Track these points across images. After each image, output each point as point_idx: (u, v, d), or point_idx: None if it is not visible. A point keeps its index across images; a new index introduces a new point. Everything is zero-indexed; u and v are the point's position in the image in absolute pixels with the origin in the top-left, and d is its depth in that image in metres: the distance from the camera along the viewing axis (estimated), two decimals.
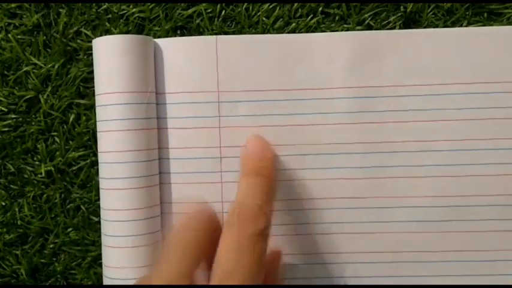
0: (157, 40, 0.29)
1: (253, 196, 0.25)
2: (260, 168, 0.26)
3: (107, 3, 0.31)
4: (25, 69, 0.31)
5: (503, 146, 0.29)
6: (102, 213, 0.29)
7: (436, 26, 0.30)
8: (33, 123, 0.31)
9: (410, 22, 0.30)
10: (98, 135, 0.29)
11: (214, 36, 0.29)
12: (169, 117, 0.29)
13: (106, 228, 0.28)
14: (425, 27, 0.30)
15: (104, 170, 0.28)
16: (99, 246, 0.30)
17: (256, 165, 0.27)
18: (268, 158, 0.27)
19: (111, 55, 0.28)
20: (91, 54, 0.30)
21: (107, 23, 0.31)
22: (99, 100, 0.28)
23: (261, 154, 0.27)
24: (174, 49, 0.29)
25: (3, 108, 0.31)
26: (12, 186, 0.32)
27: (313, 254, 0.30)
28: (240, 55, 0.29)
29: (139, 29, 0.31)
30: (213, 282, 0.22)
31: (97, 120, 0.29)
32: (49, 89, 0.31)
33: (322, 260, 0.30)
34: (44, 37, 0.31)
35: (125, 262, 0.28)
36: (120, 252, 0.28)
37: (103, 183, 0.28)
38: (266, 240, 0.24)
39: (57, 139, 0.31)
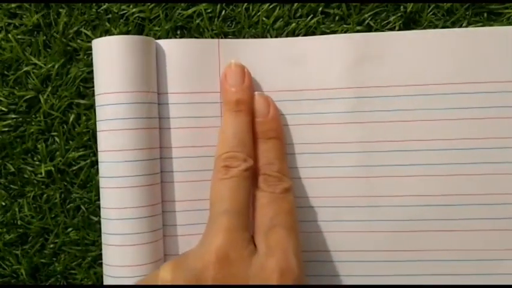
0: (159, 41, 0.29)
1: (270, 163, 0.27)
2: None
3: (107, 3, 0.31)
4: (25, 69, 0.31)
5: (501, 146, 0.29)
6: (103, 212, 0.29)
7: (436, 26, 0.30)
8: (33, 123, 0.31)
9: (410, 22, 0.30)
10: (98, 134, 0.29)
11: (217, 39, 0.29)
12: (171, 117, 0.29)
13: (106, 226, 0.28)
14: (425, 27, 0.30)
15: (104, 169, 0.28)
16: (99, 246, 0.30)
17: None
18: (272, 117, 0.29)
19: (110, 56, 0.28)
20: (91, 54, 0.30)
21: (107, 23, 0.31)
22: (98, 100, 0.28)
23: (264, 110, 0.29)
24: (177, 50, 0.29)
25: (3, 108, 0.31)
26: (12, 186, 0.32)
27: (308, 252, 0.30)
28: (241, 57, 0.29)
29: (139, 29, 0.31)
30: (258, 235, 0.26)
31: (97, 120, 0.29)
32: (49, 89, 0.31)
33: (316, 258, 0.30)
34: (44, 37, 0.31)
35: (125, 260, 0.28)
36: (120, 251, 0.28)
37: (103, 182, 0.28)
38: (292, 193, 0.27)
39: (57, 139, 0.31)
